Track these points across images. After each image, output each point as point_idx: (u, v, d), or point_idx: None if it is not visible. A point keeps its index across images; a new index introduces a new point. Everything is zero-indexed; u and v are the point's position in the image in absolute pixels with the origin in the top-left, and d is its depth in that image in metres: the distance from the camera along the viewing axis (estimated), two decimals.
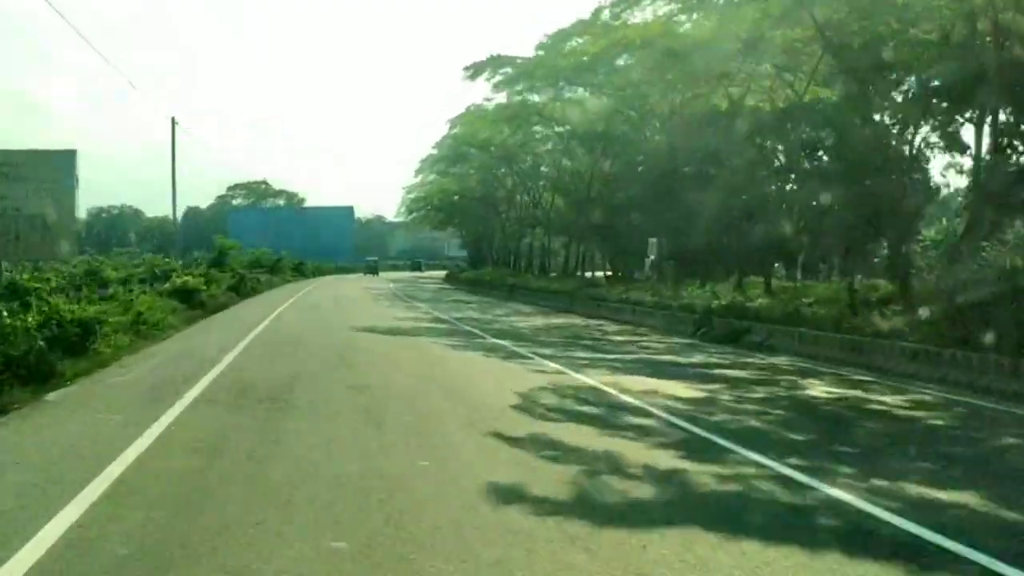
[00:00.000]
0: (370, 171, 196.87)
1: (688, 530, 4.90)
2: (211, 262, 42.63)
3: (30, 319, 10.45)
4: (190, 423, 7.93)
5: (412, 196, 76.86)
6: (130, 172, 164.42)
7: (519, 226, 60.38)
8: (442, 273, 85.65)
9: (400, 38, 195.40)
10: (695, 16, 25.00)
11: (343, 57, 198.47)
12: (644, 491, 5.83)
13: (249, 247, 59.73)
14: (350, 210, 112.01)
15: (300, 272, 67.58)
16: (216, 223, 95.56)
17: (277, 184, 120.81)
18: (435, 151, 60.38)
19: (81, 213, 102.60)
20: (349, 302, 33.71)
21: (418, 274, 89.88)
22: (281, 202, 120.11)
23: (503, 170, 55.08)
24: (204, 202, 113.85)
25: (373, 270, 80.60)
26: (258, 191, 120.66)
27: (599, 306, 27.08)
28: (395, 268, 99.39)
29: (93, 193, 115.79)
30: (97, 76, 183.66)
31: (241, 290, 33.17)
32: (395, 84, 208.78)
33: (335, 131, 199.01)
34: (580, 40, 31.07)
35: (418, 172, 66.53)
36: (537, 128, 43.17)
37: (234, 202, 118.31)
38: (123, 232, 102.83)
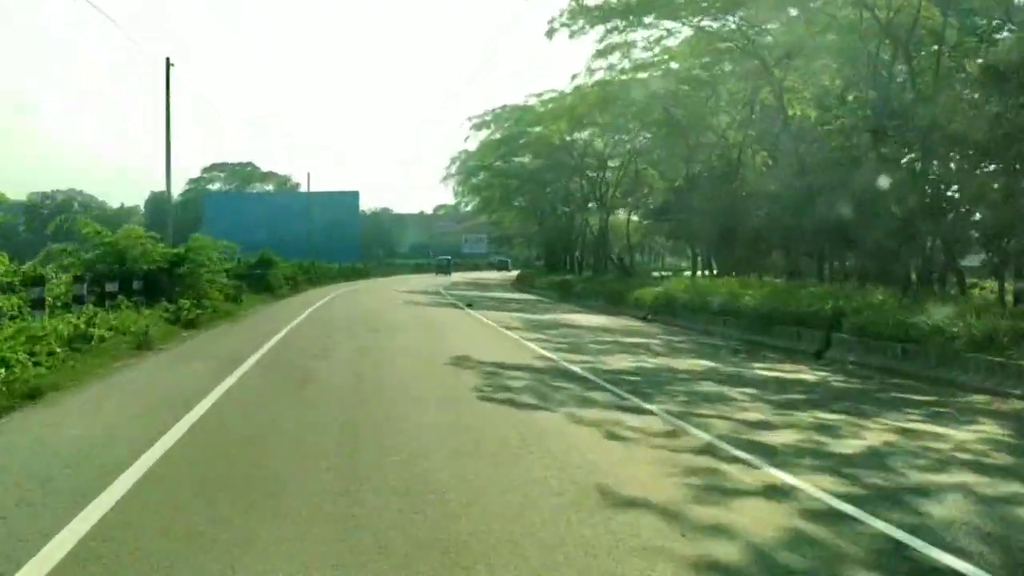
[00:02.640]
0: (371, 171, 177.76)
1: None
2: None
3: None
4: None
5: (483, 141, 48.92)
6: (96, 156, 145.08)
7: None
8: (496, 275, 66.52)
9: (400, 37, 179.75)
10: None
11: (342, 55, 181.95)
12: None
13: (233, 242, 38.20)
14: (355, 196, 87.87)
15: (264, 284, 30.17)
16: (188, 212, 75.06)
17: (266, 166, 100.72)
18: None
19: (20, 196, 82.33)
20: None
21: (468, 275, 70.76)
22: (270, 187, 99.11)
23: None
24: (176, 188, 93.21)
25: (445, 270, 72.41)
26: (242, 174, 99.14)
27: None
28: (423, 268, 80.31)
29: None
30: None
31: None
32: (395, 83, 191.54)
33: (335, 129, 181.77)
34: None
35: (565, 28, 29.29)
36: None
37: (213, 187, 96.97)
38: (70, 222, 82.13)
